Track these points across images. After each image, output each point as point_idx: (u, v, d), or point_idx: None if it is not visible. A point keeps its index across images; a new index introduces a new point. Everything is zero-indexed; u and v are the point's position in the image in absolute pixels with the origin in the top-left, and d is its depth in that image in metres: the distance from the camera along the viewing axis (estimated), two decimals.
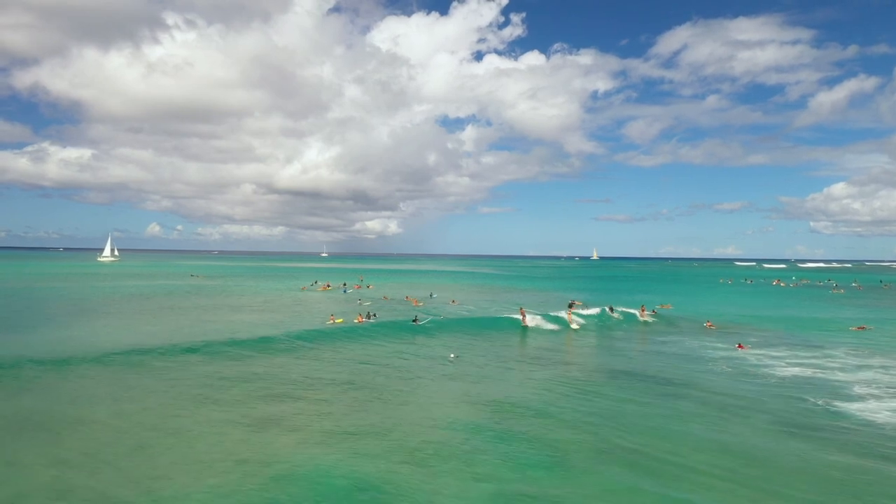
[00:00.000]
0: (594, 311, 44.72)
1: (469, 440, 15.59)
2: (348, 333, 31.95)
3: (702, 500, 12.15)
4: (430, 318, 38.99)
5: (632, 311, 45.42)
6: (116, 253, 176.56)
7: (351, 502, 11.66)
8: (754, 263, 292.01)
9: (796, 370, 25.95)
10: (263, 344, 27.86)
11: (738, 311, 52.47)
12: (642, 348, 32.56)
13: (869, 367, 26.70)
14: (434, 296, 61.65)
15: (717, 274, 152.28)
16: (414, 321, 36.74)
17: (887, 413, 18.97)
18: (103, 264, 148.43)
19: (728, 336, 35.71)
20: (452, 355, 27.77)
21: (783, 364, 27.34)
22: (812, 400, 20.58)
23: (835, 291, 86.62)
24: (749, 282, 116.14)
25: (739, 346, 31.76)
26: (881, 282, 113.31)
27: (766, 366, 26.94)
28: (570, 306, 50.79)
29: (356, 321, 37.49)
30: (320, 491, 12.02)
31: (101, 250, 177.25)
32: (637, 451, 14.93)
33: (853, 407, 19.65)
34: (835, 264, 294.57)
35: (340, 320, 37.58)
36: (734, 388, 22.54)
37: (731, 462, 14.32)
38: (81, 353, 24.01)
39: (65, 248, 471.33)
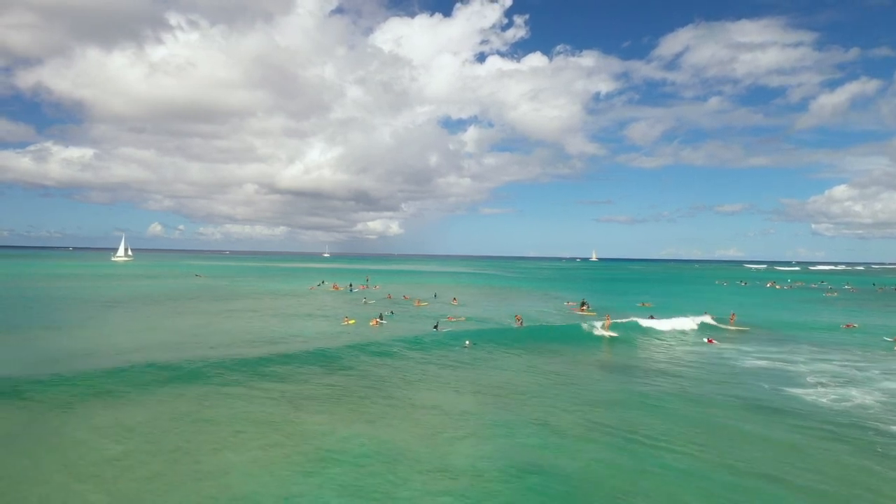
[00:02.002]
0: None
1: (476, 417, 18.39)
2: (365, 333, 34.07)
3: (671, 463, 14.80)
4: (451, 327, 37.92)
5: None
6: (130, 253, 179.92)
7: (374, 468, 14.16)
8: (765, 266, 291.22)
9: (762, 362, 28.77)
10: (287, 343, 30.47)
11: (726, 310, 55.13)
12: (634, 344, 35.16)
13: (829, 360, 29.49)
14: (436, 296, 64.49)
15: (721, 276, 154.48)
16: (435, 327, 36.90)
17: (830, 399, 21.73)
18: (118, 264, 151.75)
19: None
20: (468, 342, 30.64)
21: (752, 357, 30.15)
22: (767, 386, 23.46)
23: (828, 294, 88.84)
24: (743, 283, 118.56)
25: (709, 340, 34.56)
26: (874, 284, 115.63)
27: (735, 358, 29.79)
28: (583, 305, 53.55)
29: (371, 324, 38.44)
30: (349, 464, 14.43)
31: (115, 250, 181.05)
32: (618, 426, 17.56)
33: (800, 392, 22.49)
34: (843, 266, 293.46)
35: (353, 321, 39.38)
36: (703, 375, 25.41)
37: (695, 435, 17.00)
38: (125, 357, 26.74)
39: (74, 248, 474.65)
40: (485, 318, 43.07)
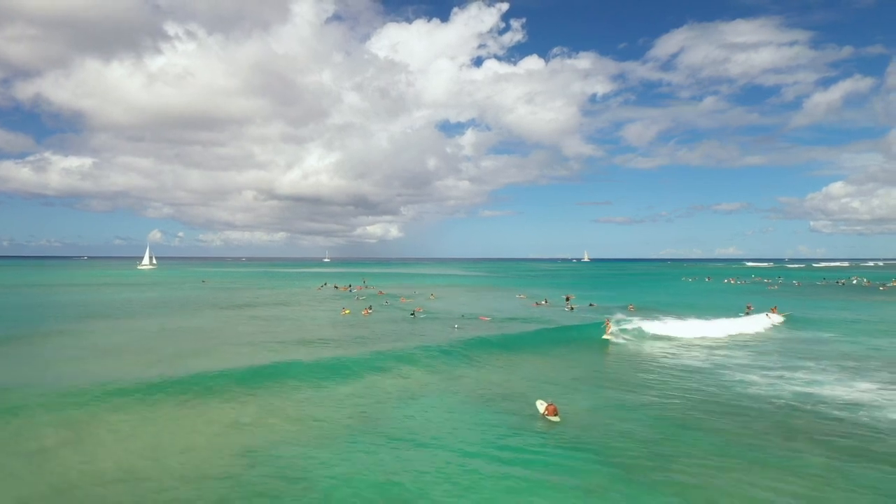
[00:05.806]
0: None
1: (447, 371, 28.37)
2: (360, 319, 46.34)
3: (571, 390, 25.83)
4: (425, 312, 50.53)
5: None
6: (154, 261, 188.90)
7: (377, 406, 24.19)
8: (770, 264, 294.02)
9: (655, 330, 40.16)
10: (310, 332, 41.51)
11: (667, 300, 66.75)
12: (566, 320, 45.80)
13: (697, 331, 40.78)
14: (417, 293, 77.43)
15: (692, 273, 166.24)
16: (412, 315, 48.24)
17: (668, 352, 32.90)
18: (145, 272, 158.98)
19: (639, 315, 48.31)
20: (456, 326, 40.70)
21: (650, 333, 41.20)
22: (635, 341, 35.27)
23: (770, 287, 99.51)
24: (708, 280, 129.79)
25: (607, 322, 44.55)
26: (824, 279, 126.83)
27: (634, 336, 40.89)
28: (567, 299, 63.94)
29: (363, 313, 50.40)
30: (370, 397, 24.85)
31: (123, 258, 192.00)
32: (539, 375, 26.89)
33: (658, 351, 34.01)
34: (845, 263, 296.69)
35: (348, 311, 51.39)
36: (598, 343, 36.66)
37: (579, 374, 27.84)
38: (224, 359, 27.85)
39: (89, 257, 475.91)
40: (451, 310, 53.61)
